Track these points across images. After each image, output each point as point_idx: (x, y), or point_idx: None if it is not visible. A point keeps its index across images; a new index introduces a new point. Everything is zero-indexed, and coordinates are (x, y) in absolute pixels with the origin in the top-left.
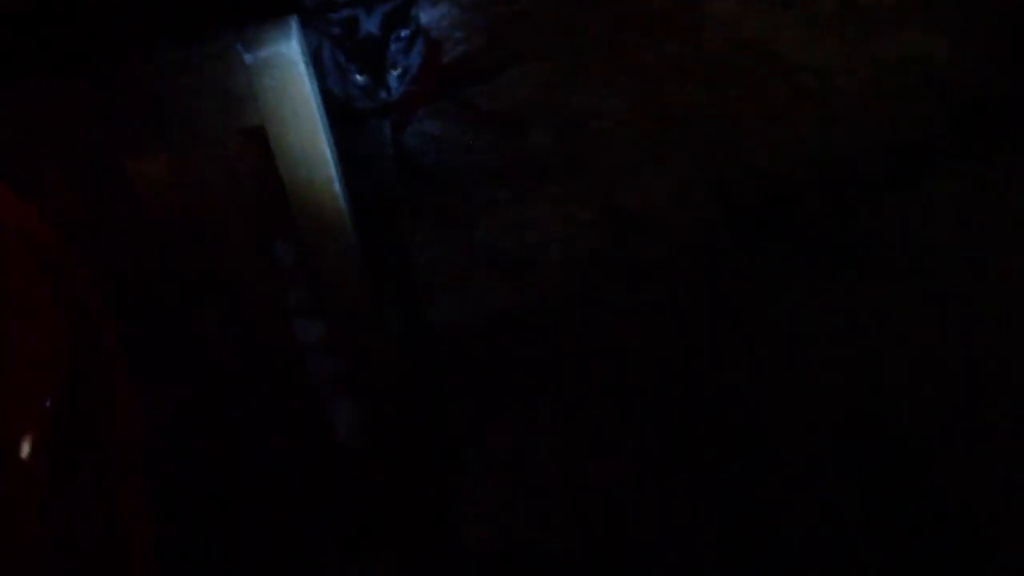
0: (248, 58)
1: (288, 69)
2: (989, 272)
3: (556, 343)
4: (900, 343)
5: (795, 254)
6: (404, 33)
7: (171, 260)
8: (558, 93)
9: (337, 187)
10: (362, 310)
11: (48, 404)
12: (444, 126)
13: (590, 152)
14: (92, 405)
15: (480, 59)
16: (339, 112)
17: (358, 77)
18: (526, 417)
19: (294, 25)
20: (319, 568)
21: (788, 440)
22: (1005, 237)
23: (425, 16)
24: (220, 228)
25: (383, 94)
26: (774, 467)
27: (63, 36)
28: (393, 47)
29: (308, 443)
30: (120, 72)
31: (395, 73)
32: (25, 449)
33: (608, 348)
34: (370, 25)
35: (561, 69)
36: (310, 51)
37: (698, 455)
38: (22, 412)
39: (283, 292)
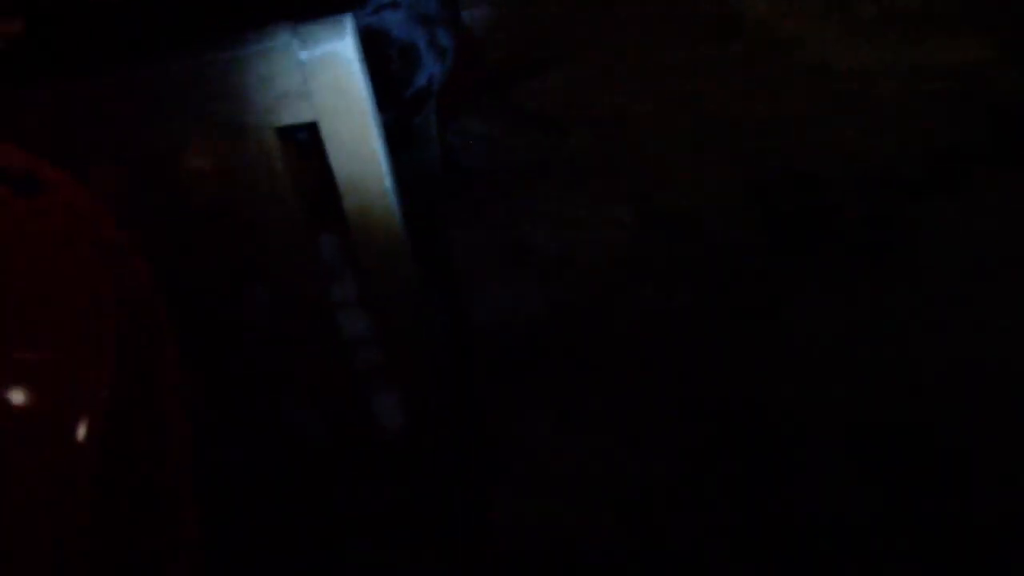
0: (304, 55)
1: (343, 67)
2: None
3: (593, 342)
4: (937, 349)
5: (832, 258)
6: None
7: (219, 250)
8: (597, 94)
9: (388, 184)
10: (408, 305)
11: (104, 393)
12: (485, 126)
13: (629, 153)
14: (146, 395)
15: (521, 60)
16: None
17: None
18: (562, 415)
19: (349, 23)
20: (356, 560)
21: (824, 445)
22: None
23: (467, 16)
24: (268, 220)
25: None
26: (810, 471)
27: (116, 29)
28: (425, 48)
29: (349, 436)
30: (175, 66)
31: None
32: (80, 436)
33: (644, 348)
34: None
35: (600, 70)
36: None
37: (733, 457)
38: (78, 400)
39: (327, 285)
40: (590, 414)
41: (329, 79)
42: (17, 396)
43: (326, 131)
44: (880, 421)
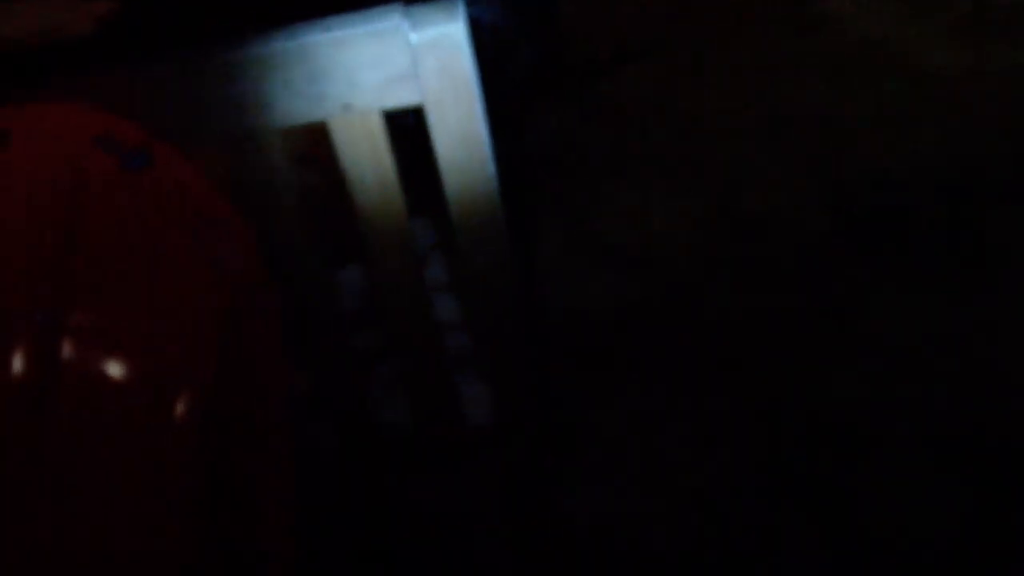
0: (414, 37)
1: (453, 50)
2: None
3: (666, 338)
4: (1017, 360)
5: (911, 263)
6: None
7: (317, 232)
8: (678, 90)
9: (491, 169)
10: (504, 290)
11: (210, 369)
12: (566, 119)
13: (708, 150)
14: (249, 369)
15: (602, 54)
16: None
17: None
18: (636, 409)
19: (461, 6)
20: (432, 547)
21: (894, 451)
22: None
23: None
24: (370, 202)
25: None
26: (878, 478)
27: (216, 8)
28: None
29: (435, 422)
30: (279, 45)
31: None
32: (184, 412)
33: (717, 347)
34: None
35: (681, 67)
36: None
37: (802, 460)
38: (183, 377)
39: (422, 269)
40: (664, 409)
41: (438, 62)
42: (123, 370)
43: (432, 114)
44: (958, 427)
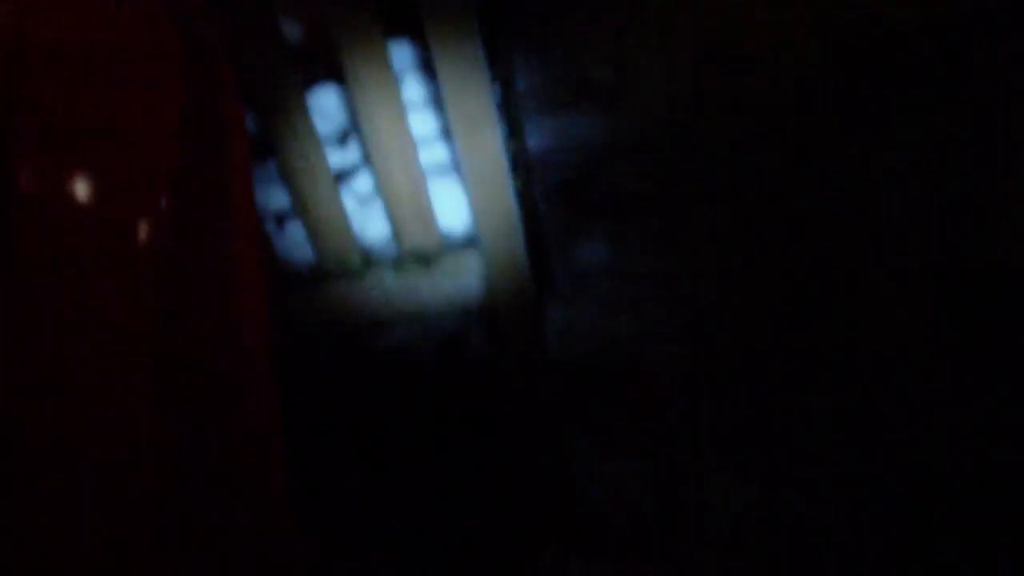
0: None
1: None
2: None
3: (647, 172)
4: (1010, 179)
5: (900, 93)
6: None
7: (286, 46)
8: None
9: None
10: (481, 100)
11: (170, 185)
12: None
13: None
14: (212, 187)
15: None
16: None
17: None
18: (614, 239)
19: None
20: (416, 357)
21: (883, 281)
22: None
23: None
24: (343, 16)
25: None
26: (867, 307)
27: None
28: None
29: (411, 233)
30: None
31: None
32: (141, 234)
33: (698, 181)
34: None
35: None
36: None
37: (791, 287)
38: (145, 193)
39: (399, 88)
40: (638, 240)
41: None
42: (80, 191)
43: None
44: (940, 251)
